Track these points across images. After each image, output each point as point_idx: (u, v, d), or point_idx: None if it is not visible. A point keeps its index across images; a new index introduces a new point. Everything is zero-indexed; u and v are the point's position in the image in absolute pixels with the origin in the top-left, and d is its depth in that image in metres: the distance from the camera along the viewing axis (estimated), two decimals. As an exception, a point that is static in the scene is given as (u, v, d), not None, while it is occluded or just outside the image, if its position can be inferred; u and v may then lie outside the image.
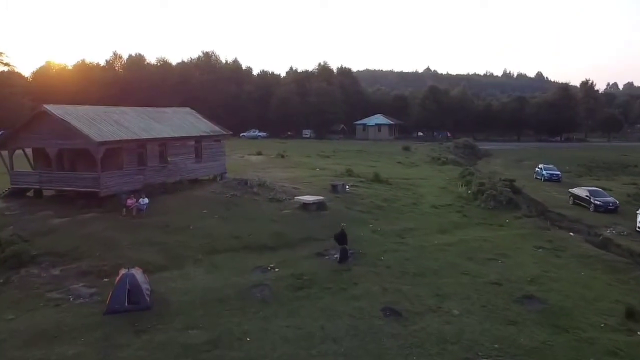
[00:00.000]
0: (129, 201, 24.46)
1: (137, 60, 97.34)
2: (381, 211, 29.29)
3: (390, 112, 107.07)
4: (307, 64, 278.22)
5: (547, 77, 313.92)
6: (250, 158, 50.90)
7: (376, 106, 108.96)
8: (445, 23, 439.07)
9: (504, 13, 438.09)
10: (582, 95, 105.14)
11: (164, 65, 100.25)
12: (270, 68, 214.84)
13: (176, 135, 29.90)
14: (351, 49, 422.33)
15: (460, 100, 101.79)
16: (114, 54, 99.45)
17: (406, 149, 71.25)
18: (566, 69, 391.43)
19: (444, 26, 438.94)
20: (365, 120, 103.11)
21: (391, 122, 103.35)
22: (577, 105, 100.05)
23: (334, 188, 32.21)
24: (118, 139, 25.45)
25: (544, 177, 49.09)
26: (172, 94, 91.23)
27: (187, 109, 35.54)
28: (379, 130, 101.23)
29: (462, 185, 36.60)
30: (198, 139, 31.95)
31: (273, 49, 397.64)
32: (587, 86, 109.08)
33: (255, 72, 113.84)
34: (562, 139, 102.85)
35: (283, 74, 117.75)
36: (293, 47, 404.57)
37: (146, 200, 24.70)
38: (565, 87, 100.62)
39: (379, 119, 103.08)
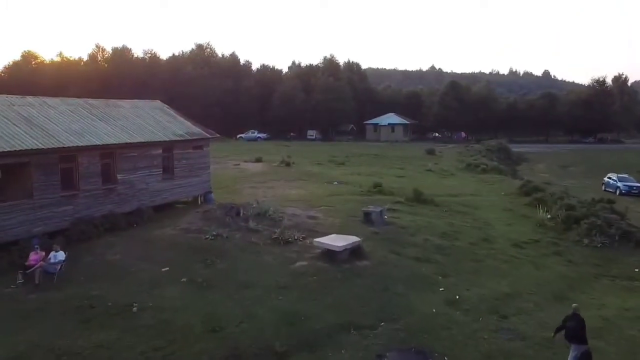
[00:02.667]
0: (32, 257, 14.20)
1: (121, 53, 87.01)
2: (446, 257, 19.00)
3: (403, 111, 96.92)
4: (310, 59, 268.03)
5: (554, 76, 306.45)
6: (247, 167, 40.65)
7: (387, 104, 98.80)
8: (448, 21, 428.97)
9: (507, 11, 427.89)
10: (616, 91, 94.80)
11: (152, 58, 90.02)
12: (271, 63, 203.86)
13: (132, 141, 19.65)
14: (354, 47, 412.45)
15: (483, 97, 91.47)
16: (97, 46, 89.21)
17: (430, 152, 61.21)
18: (571, 68, 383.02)
19: (447, 24, 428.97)
20: (377, 120, 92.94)
21: (405, 122, 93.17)
22: (614, 102, 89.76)
23: (368, 217, 21.95)
24: (19, 148, 15.15)
25: (620, 190, 38.85)
26: (160, 91, 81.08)
27: (157, 102, 25.27)
28: (392, 130, 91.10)
29: (540, 208, 26.32)
30: (168, 146, 21.76)
31: (273, 42, 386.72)
32: (620, 81, 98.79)
33: (254, 66, 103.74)
34: (596, 139, 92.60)
35: (285, 70, 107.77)
36: (295, 43, 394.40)
37: (61, 255, 14.42)
38: (601, 82, 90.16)
39: (392, 118, 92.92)
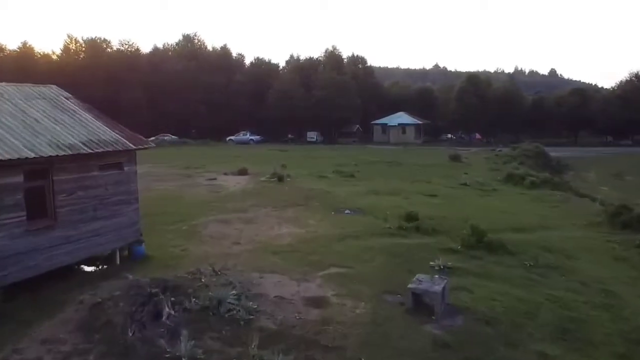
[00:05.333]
0: None
1: (95, 45, 76.76)
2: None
3: (413, 110, 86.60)
4: (310, 53, 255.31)
5: (560, 74, 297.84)
6: (225, 182, 30.29)
7: (395, 102, 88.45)
8: (451, 18, 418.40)
9: (509, 9, 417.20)
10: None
11: (131, 50, 79.76)
12: (266, 56, 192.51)
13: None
14: (355, 43, 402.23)
15: (506, 94, 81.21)
16: (69, 37, 78.93)
17: (455, 159, 50.86)
18: (577, 67, 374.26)
19: (450, 22, 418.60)
20: (386, 120, 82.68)
21: (417, 122, 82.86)
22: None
23: (419, 301, 11.67)
24: None
25: None
26: (140, 87, 71.25)
27: (49, 88, 14.78)
28: (404, 131, 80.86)
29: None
30: (39, 167, 11.51)
31: (269, 34, 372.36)
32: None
33: (248, 60, 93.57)
34: (633, 141, 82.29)
35: (282, 64, 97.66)
36: (292, 35, 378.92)
37: None
38: (640, 76, 79.89)
39: (402, 117, 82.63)
